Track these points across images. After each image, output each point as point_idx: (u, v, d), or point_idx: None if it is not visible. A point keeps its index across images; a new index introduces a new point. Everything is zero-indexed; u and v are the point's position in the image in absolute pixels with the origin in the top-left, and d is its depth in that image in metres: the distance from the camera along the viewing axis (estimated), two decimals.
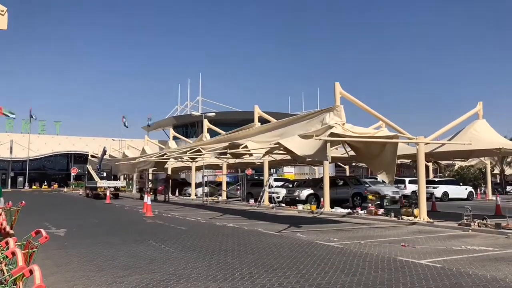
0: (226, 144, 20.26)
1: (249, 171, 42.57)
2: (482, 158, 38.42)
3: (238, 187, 33.00)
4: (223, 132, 26.46)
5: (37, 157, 64.58)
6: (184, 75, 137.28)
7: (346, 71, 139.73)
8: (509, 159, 45.58)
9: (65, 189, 55.95)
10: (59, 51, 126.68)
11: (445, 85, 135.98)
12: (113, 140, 65.12)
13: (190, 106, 72.19)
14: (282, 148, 16.71)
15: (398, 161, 16.76)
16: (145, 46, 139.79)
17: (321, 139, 13.64)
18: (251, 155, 21.67)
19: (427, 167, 35.02)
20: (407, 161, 25.56)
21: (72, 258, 9.24)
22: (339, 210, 20.51)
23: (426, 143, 17.11)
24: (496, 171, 48.79)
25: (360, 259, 8.97)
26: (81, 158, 64.18)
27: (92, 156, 54.65)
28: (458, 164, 48.24)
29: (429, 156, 20.08)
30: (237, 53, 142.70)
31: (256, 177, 48.96)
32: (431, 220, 16.09)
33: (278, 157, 24.59)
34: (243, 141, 18.73)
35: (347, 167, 46.25)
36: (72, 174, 54.98)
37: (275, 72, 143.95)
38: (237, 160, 29.61)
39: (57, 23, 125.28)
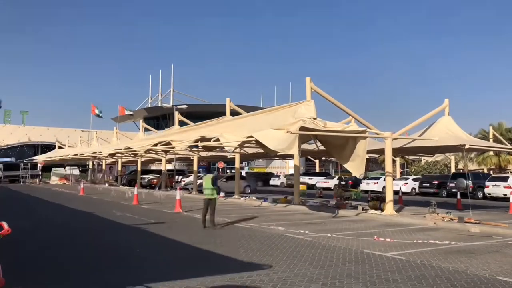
0: (198, 137, 20.11)
1: (221, 164, 42.46)
2: (447, 154, 39.68)
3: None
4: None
5: (2, 147, 62.62)
6: (155, 66, 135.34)
7: (319, 66, 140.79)
8: (472, 155, 47.17)
9: (32, 180, 54.35)
10: (27, 39, 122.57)
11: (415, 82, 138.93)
12: (82, 131, 63.70)
13: (162, 98, 71.38)
14: (254, 141, 16.73)
15: (367, 156, 17.06)
16: (117, 34, 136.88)
17: (292, 133, 13.76)
18: (223, 147, 21.61)
19: (394, 162, 35.90)
20: (375, 155, 26.09)
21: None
22: (311, 202, 20.74)
23: (394, 139, 17.48)
24: (460, 166, 50.48)
25: (329, 252, 9.13)
26: (48, 149, 62.48)
27: (59, 147, 53.57)
28: (425, 159, 49.57)
29: (396, 151, 20.54)
30: (209, 46, 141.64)
31: (228, 171, 48.91)
32: (397, 214, 16.50)
33: (250, 150, 24.64)
34: (216, 134, 18.63)
35: (317, 161, 46.77)
36: (39, 165, 53.49)
37: (248, 66, 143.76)
38: (209, 153, 29.53)
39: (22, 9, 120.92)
